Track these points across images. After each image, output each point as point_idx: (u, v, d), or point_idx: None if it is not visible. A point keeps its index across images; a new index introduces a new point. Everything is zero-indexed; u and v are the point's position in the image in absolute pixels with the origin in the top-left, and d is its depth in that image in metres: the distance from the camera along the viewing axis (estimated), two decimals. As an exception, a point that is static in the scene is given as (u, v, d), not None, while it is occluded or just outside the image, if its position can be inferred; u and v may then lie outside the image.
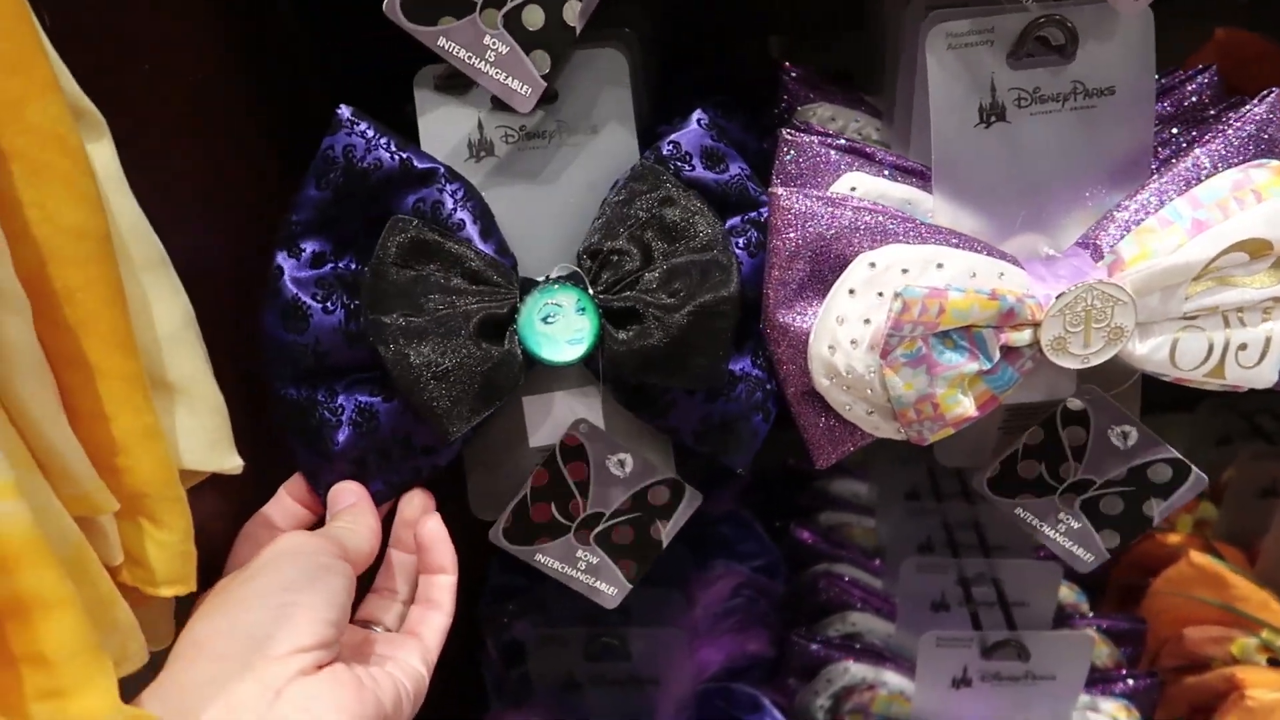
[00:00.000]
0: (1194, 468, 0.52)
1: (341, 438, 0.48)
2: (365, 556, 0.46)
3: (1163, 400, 0.55)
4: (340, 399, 0.48)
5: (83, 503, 0.33)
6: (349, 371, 0.48)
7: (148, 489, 0.34)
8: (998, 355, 0.47)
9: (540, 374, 0.51)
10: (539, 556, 0.53)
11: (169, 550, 0.36)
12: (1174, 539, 0.79)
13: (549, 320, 0.46)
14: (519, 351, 0.46)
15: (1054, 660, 0.65)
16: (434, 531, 0.48)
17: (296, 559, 0.41)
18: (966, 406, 0.48)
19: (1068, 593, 0.81)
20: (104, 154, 0.35)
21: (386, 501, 0.50)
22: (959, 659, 0.66)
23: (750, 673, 0.74)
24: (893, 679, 0.73)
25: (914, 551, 0.77)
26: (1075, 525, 0.54)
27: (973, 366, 0.46)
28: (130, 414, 0.34)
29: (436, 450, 0.49)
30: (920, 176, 0.51)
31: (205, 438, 0.38)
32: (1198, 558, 0.75)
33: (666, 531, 0.53)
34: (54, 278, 0.32)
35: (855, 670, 0.73)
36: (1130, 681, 0.71)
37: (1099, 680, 0.72)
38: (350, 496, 0.49)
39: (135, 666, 0.34)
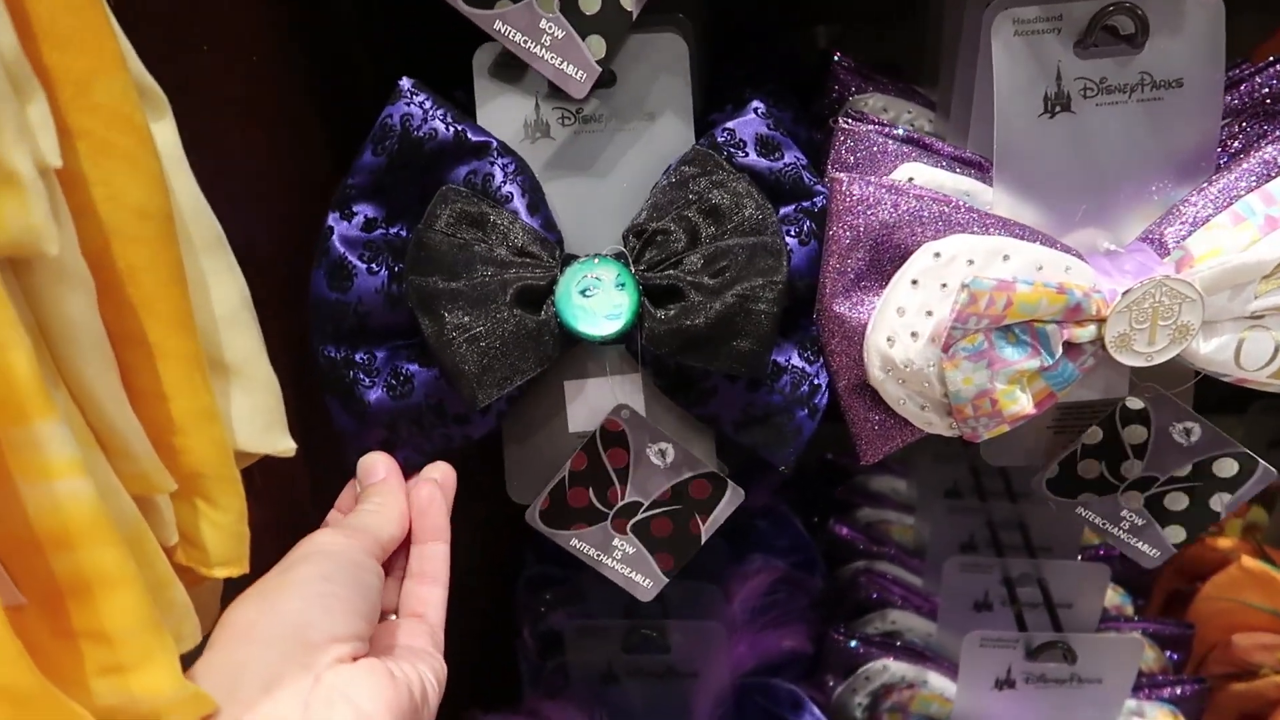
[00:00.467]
0: (1261, 460, 0.51)
1: (374, 398, 0.48)
2: (393, 540, 0.46)
3: (1212, 401, 0.54)
4: (379, 362, 0.48)
5: (141, 481, 0.33)
6: (390, 336, 0.49)
7: (204, 469, 0.35)
8: (1060, 351, 0.46)
9: (582, 358, 0.51)
10: (574, 542, 0.53)
11: (223, 531, 0.36)
12: (1224, 543, 0.77)
13: (587, 294, 0.46)
14: (555, 323, 0.46)
15: (1101, 663, 0.64)
16: (430, 496, 0.47)
17: (333, 554, 0.41)
18: (1024, 404, 0.47)
19: (1113, 595, 0.80)
20: (166, 133, 0.35)
21: (416, 471, 0.50)
22: (1003, 660, 0.65)
23: (787, 669, 0.73)
24: (933, 679, 0.72)
25: (956, 550, 0.76)
26: (1139, 522, 0.53)
27: (1034, 363, 0.45)
28: (189, 394, 0.34)
29: (469, 420, 0.49)
30: (978, 168, 0.51)
31: (260, 419, 0.38)
32: (1249, 562, 0.74)
33: (706, 527, 0.53)
34: (117, 256, 0.32)
35: (895, 669, 0.72)
36: (1178, 688, 0.70)
37: (1145, 685, 0.70)
38: (380, 470, 0.48)
39: (189, 647, 0.35)
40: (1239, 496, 0.52)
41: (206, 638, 0.37)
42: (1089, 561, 0.69)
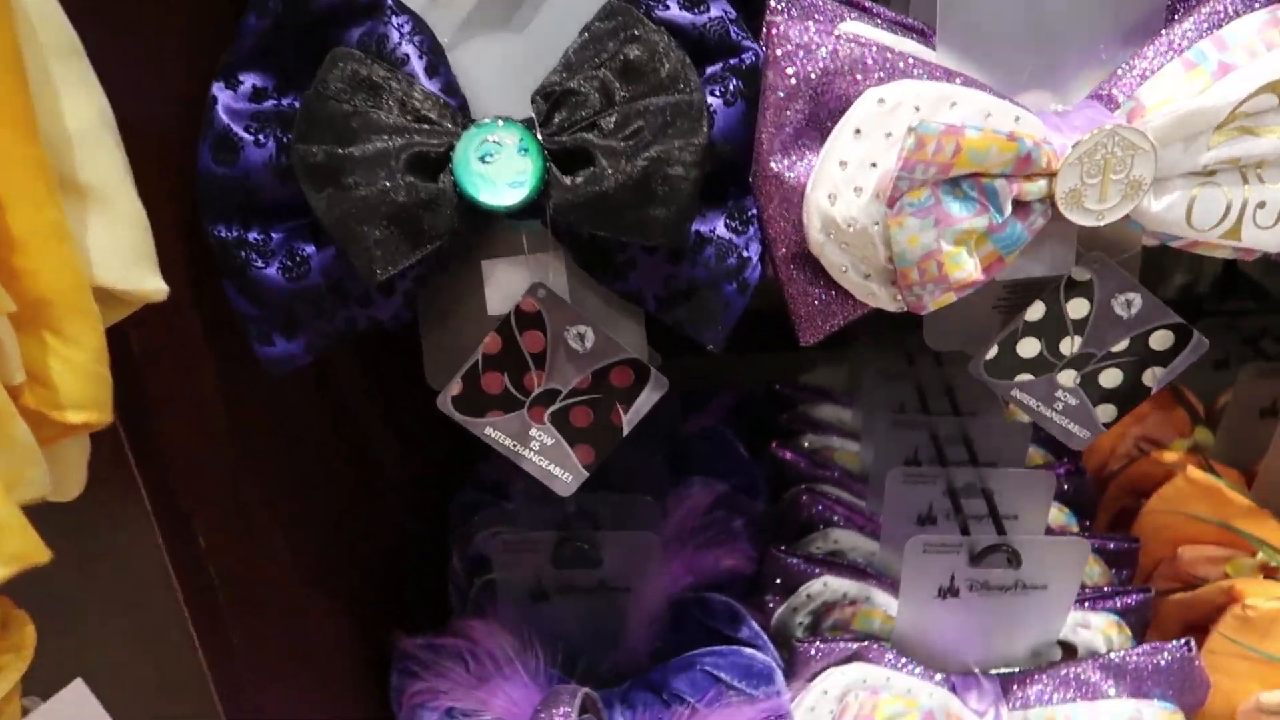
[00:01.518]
0: (1195, 330, 0.49)
1: (269, 280, 0.44)
2: None
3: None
4: (274, 243, 0.45)
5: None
6: (285, 214, 0.45)
7: (52, 296, 0.31)
8: (1009, 209, 0.44)
9: (500, 236, 0.48)
10: (489, 430, 0.49)
11: (77, 370, 0.32)
12: (1169, 457, 0.77)
13: (488, 160, 0.43)
14: (454, 193, 0.43)
15: (1046, 567, 0.63)
16: None
17: None
18: (971, 269, 0.45)
19: (1058, 515, 0.80)
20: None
21: (318, 353, 0.47)
22: (946, 566, 0.63)
23: (727, 590, 0.71)
24: (876, 595, 0.70)
25: (900, 465, 0.74)
26: (1073, 402, 0.52)
27: (982, 221, 0.43)
28: (30, 207, 0.30)
29: (372, 301, 0.46)
30: (921, 34, 0.48)
31: (123, 253, 0.34)
32: (1195, 473, 0.73)
33: (628, 417, 0.50)
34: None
35: (836, 585, 0.70)
36: (1122, 598, 0.69)
37: (1090, 597, 0.69)
38: None
39: (33, 495, 0.31)
40: (1172, 369, 0.51)
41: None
42: (1036, 470, 0.68)
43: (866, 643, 0.66)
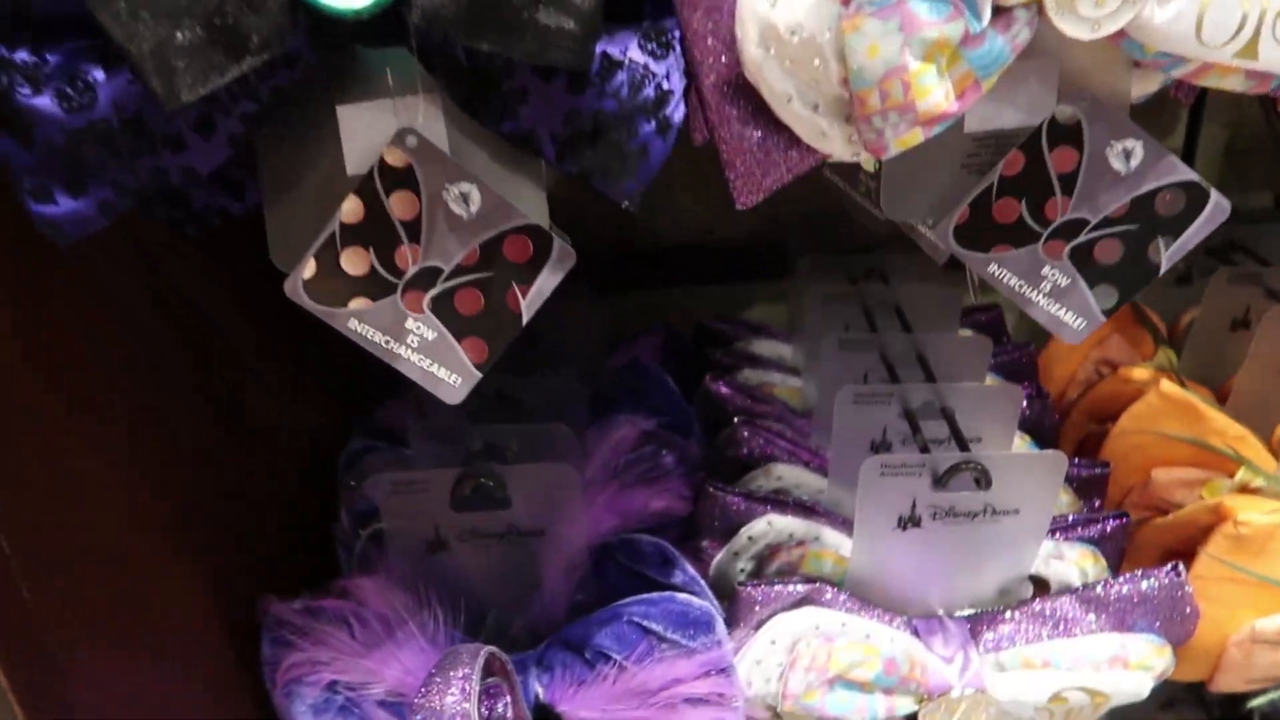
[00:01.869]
0: (1214, 190, 0.42)
1: (43, 110, 0.34)
2: None
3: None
4: (49, 66, 0.34)
5: None
6: (66, 32, 0.34)
7: None
8: (988, 14, 0.35)
9: (361, 75, 0.38)
10: (354, 323, 0.40)
11: None
12: (1138, 374, 0.70)
13: (331, -50, 0.33)
14: None
15: (1019, 488, 0.55)
16: None
17: None
18: (941, 96, 0.36)
19: (1019, 443, 0.72)
20: None
21: (119, 214, 0.36)
22: (907, 491, 0.55)
23: (658, 535, 0.62)
24: (827, 534, 0.62)
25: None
26: (1063, 282, 0.44)
27: (956, 27, 0.35)
28: None
29: (184, 144, 0.36)
30: None
31: None
32: (1168, 387, 0.67)
33: (528, 301, 0.41)
34: None
35: (781, 525, 0.62)
36: (1096, 525, 0.62)
37: (1062, 526, 0.62)
38: None
39: None
40: (1184, 242, 0.44)
41: None
42: (1000, 385, 0.61)
43: (817, 585, 0.58)
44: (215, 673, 0.55)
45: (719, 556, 0.63)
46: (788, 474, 0.67)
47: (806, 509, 0.63)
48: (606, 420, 0.66)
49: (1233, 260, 0.78)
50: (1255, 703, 0.61)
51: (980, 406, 0.61)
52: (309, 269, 0.39)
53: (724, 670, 0.52)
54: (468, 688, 0.46)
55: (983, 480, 0.55)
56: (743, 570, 0.63)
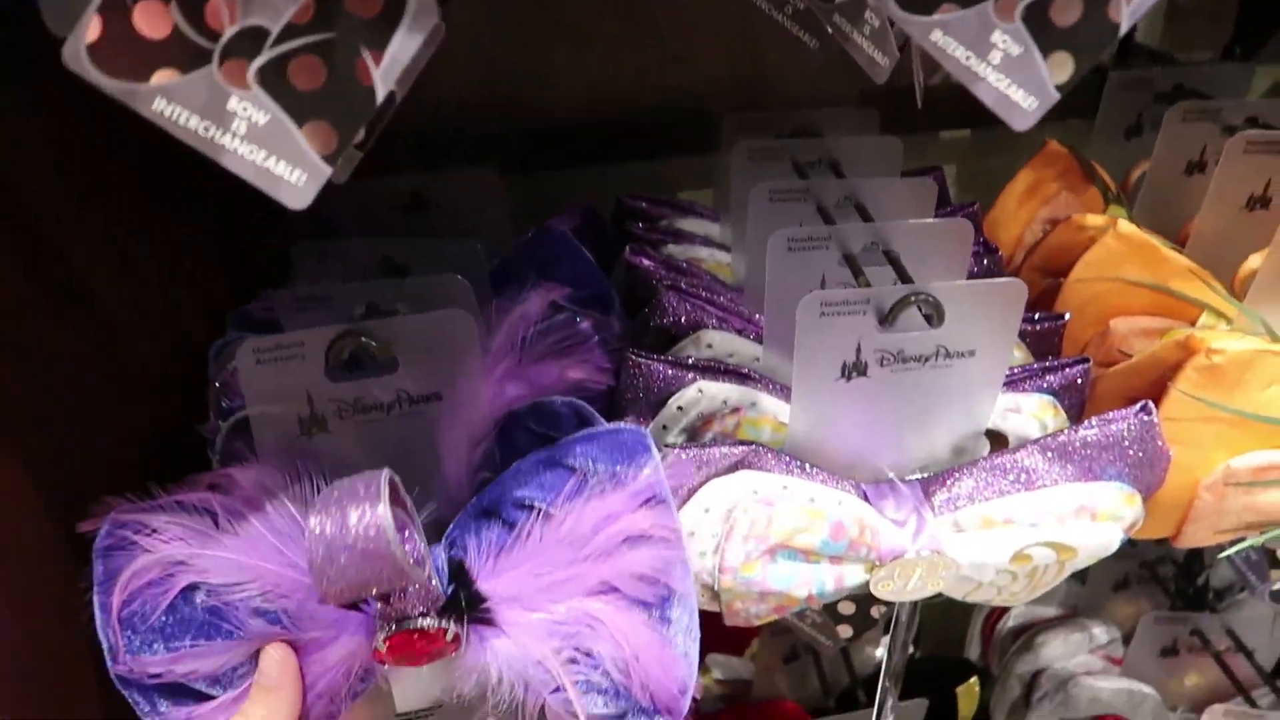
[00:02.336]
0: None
1: None
2: None
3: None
4: None
5: None
6: None
7: None
8: None
9: None
10: (160, 103, 0.32)
11: None
12: (1092, 220, 0.65)
13: None
14: None
15: (974, 323, 0.50)
16: None
17: None
18: None
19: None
20: None
21: None
22: (851, 333, 0.49)
23: (575, 411, 0.55)
24: (764, 400, 0.56)
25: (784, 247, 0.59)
26: (1015, 51, 0.38)
27: None
28: None
29: None
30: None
31: None
32: (1125, 228, 0.62)
33: (381, 71, 0.33)
34: None
35: (714, 390, 0.56)
36: (1055, 375, 0.57)
37: (1018, 376, 0.57)
38: (274, 672, 0.45)
39: None
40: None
41: None
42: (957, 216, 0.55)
43: (755, 448, 0.52)
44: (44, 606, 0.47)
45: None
46: (719, 341, 0.61)
47: (741, 375, 0.57)
48: (513, 292, 0.58)
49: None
50: (1225, 554, 0.57)
51: (927, 246, 0.55)
52: (93, 30, 0.31)
53: (661, 499, 0.45)
54: (376, 500, 0.38)
55: (935, 316, 0.50)
56: (673, 446, 0.57)
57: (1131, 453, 0.52)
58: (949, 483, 0.54)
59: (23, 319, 0.50)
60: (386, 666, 0.46)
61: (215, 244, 0.74)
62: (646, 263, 0.67)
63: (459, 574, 0.46)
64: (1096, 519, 0.52)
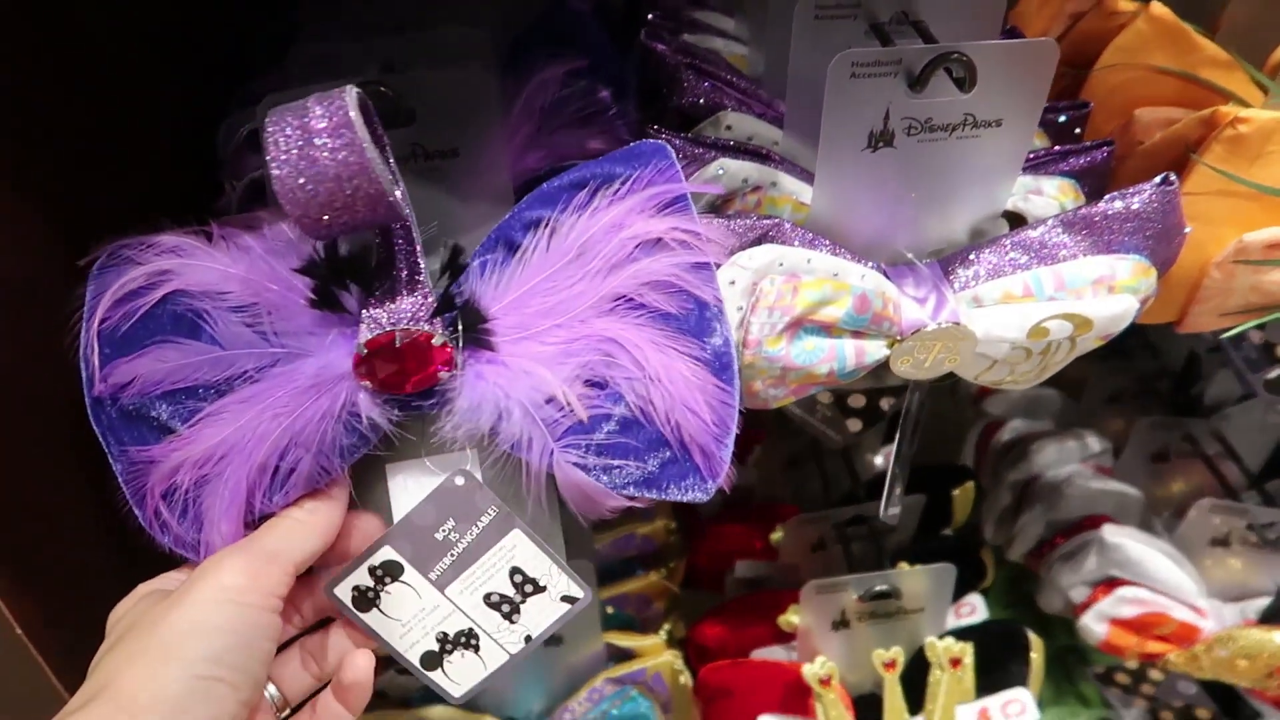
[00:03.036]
0: None
1: None
2: (312, 555, 0.43)
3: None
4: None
5: None
6: None
7: None
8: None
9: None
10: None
11: None
12: (1124, 5, 0.63)
13: None
14: None
15: (1003, 90, 0.49)
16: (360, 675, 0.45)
17: (233, 619, 0.39)
18: None
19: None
20: None
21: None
22: (880, 96, 0.49)
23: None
24: (785, 180, 0.56)
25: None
26: None
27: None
28: None
29: None
30: None
31: None
32: (1159, 9, 0.60)
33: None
34: None
35: (735, 168, 0.55)
36: (1078, 156, 0.57)
37: (1040, 159, 0.57)
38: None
39: None
40: None
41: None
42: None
43: (778, 221, 0.52)
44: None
45: (665, 210, 0.56)
46: (739, 123, 0.60)
47: (761, 154, 0.56)
48: (527, 64, 0.57)
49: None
50: (1229, 334, 0.58)
51: (957, 16, 0.54)
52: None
53: (681, 203, 0.43)
54: (340, 96, 0.36)
55: (966, 81, 0.49)
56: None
57: (1152, 224, 0.52)
58: (968, 261, 0.54)
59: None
60: (372, 396, 0.41)
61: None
62: (663, 46, 0.65)
63: (455, 290, 0.43)
64: (1114, 290, 0.52)
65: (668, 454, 0.43)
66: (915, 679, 0.73)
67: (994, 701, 0.72)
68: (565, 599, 0.46)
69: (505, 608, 0.46)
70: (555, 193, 0.44)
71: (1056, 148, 0.58)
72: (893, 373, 0.56)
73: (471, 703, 0.72)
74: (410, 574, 0.45)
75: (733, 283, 0.51)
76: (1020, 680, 0.73)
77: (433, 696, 0.70)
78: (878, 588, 0.70)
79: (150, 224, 0.44)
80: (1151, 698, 0.90)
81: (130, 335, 0.42)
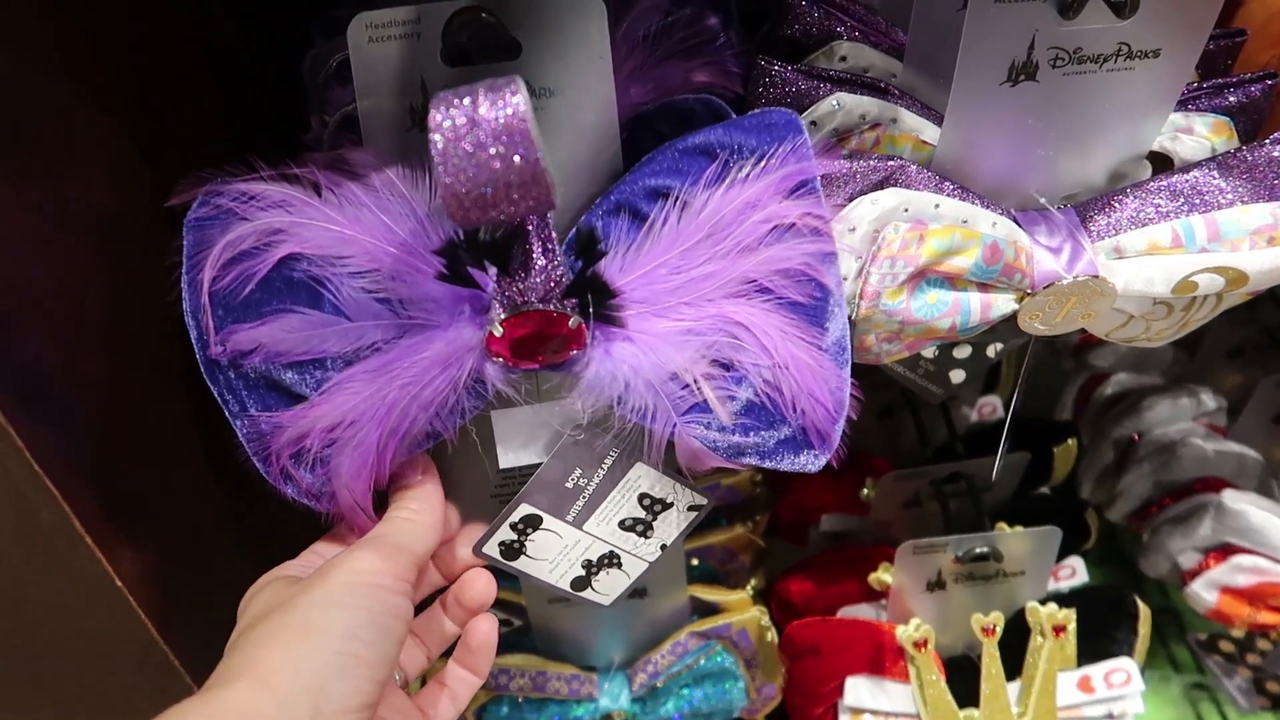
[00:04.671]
0: None
1: None
2: (429, 551, 0.46)
3: None
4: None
5: None
6: None
7: None
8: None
9: None
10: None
11: None
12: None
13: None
14: None
15: (1167, 17, 0.44)
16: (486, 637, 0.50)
17: (365, 601, 0.40)
18: None
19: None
20: None
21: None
22: (1026, 24, 0.44)
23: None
24: (904, 115, 0.52)
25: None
26: None
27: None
28: None
29: None
30: None
31: None
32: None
33: None
34: None
35: (852, 104, 0.51)
36: (1233, 90, 0.52)
37: (1189, 95, 0.52)
38: (416, 472, 0.47)
39: None
40: None
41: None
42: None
43: (901, 162, 0.48)
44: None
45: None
46: (854, 54, 0.55)
47: (880, 89, 0.52)
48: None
49: None
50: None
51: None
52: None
53: (811, 186, 0.42)
54: (512, 84, 0.33)
55: (1126, 6, 0.44)
56: (804, 164, 0.53)
57: (1323, 172, 0.47)
58: (1109, 208, 0.50)
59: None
60: (499, 366, 0.42)
61: None
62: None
63: (586, 263, 0.42)
64: (1274, 242, 0.48)
65: (786, 433, 0.45)
66: (1013, 643, 0.70)
67: (1096, 670, 0.69)
68: (692, 509, 0.49)
69: (639, 528, 0.50)
70: (682, 160, 0.43)
71: (1211, 82, 0.52)
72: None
73: (553, 651, 0.72)
74: (550, 521, 0.49)
75: (853, 229, 0.47)
76: (1127, 650, 0.70)
77: (509, 645, 0.71)
78: (978, 550, 0.67)
79: (243, 164, 0.42)
80: (1257, 668, 0.86)
81: (248, 300, 0.42)
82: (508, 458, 0.48)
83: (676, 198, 0.40)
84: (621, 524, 0.50)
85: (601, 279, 0.41)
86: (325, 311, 0.42)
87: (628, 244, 0.41)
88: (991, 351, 0.66)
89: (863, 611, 0.76)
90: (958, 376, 0.66)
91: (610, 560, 0.51)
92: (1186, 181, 0.49)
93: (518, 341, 0.41)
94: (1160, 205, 0.49)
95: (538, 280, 0.40)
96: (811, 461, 0.45)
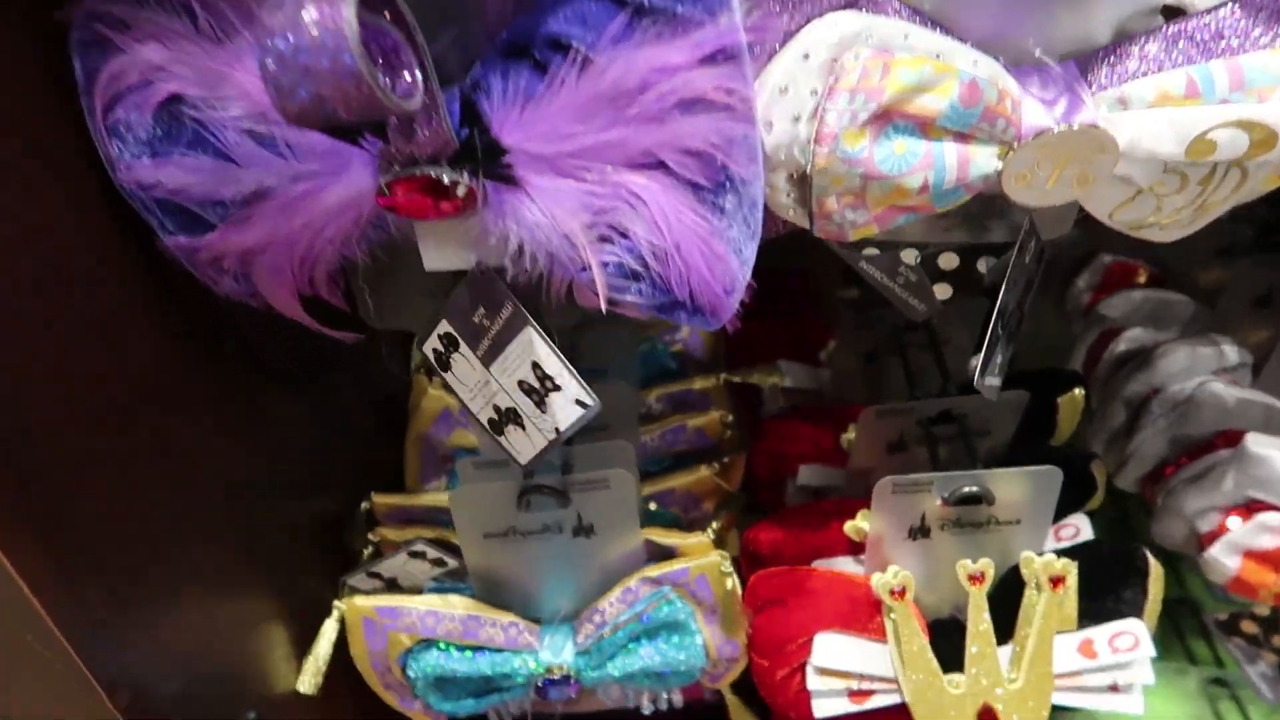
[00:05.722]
0: None
1: None
2: None
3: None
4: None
5: None
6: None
7: None
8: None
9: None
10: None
11: None
12: None
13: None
14: None
15: None
16: None
17: None
18: None
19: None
20: None
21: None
22: None
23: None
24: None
25: None
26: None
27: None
28: None
29: None
30: None
31: None
32: None
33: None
34: None
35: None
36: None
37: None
38: None
39: None
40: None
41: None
42: None
43: (870, -10, 0.41)
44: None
45: None
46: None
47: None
48: None
49: None
50: None
51: None
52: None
53: (732, 53, 0.36)
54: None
55: None
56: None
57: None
58: (1113, 58, 0.43)
59: None
60: (396, 216, 0.40)
61: None
62: None
63: (475, 120, 0.39)
64: (1307, 84, 0.41)
65: (674, 301, 0.43)
66: (1005, 601, 0.62)
67: (1100, 633, 0.61)
68: (578, 403, 0.48)
69: (534, 396, 0.49)
70: (588, 4, 0.39)
71: None
72: (997, 221, 0.45)
73: (494, 599, 0.65)
74: (464, 348, 0.50)
75: (806, 56, 0.41)
76: (1135, 611, 0.62)
77: (444, 588, 0.65)
78: (966, 489, 0.60)
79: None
80: (1283, 652, 0.78)
81: (146, 133, 0.42)
82: (430, 259, 0.46)
83: (579, 53, 0.37)
84: (520, 384, 0.49)
85: (493, 137, 0.38)
86: (216, 151, 0.41)
87: (525, 96, 0.38)
88: (982, 265, 0.59)
89: (843, 565, 0.69)
90: (943, 291, 0.59)
91: (515, 417, 0.50)
92: (1206, 24, 0.42)
93: (407, 201, 0.39)
94: (1173, 54, 0.42)
95: (423, 142, 0.38)
96: (703, 325, 0.42)
